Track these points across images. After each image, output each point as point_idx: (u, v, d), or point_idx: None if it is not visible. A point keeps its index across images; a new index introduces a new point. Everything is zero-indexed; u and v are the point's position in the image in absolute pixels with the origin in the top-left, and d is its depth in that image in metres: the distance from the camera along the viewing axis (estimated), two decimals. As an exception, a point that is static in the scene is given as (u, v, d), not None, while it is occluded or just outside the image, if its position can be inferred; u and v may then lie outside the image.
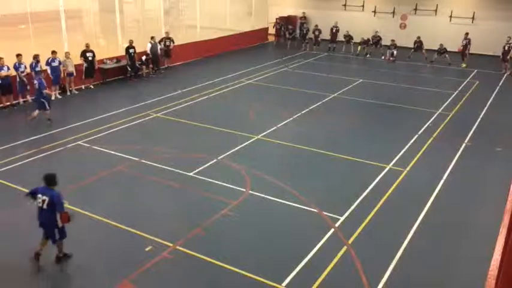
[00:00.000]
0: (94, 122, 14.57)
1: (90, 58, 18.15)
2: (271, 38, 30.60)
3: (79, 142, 12.94)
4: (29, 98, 16.42)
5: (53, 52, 16.65)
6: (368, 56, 26.50)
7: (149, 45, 20.61)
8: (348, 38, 27.06)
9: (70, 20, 19.25)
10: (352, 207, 9.83)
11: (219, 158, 12.11)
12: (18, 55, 15.73)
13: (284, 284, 7.43)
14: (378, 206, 9.96)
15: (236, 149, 12.79)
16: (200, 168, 11.43)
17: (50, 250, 8.01)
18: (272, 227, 9.17)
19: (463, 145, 13.54)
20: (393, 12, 29.38)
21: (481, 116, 16.31)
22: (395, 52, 24.97)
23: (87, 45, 18.18)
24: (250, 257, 8.17)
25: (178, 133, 14.16)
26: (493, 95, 19.19)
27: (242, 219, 9.34)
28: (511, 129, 15.27)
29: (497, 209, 8.80)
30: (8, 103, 15.84)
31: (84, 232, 8.63)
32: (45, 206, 7.51)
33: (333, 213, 9.53)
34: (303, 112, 16.18)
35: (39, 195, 7.55)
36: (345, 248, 8.40)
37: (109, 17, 22.09)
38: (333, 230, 8.98)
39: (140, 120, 14.94)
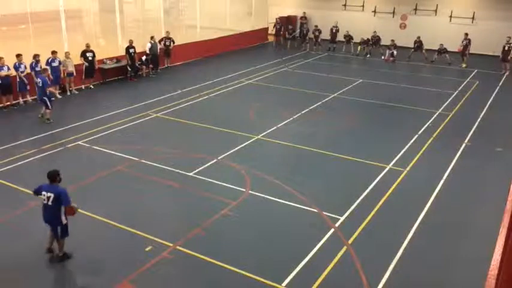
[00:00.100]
0: (94, 122, 14.57)
1: (90, 58, 18.16)
2: (271, 38, 30.59)
3: (79, 142, 12.94)
4: (29, 97, 16.44)
5: (53, 52, 16.65)
6: (368, 56, 26.50)
7: (149, 45, 20.61)
8: (348, 38, 27.05)
9: (70, 20, 19.25)
10: (352, 207, 9.83)
11: (219, 158, 12.11)
12: (18, 55, 15.73)
13: (284, 284, 7.43)
14: (378, 206, 9.96)
15: (236, 149, 12.79)
16: (200, 168, 11.43)
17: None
18: (272, 227, 9.17)
19: (463, 145, 13.54)
20: (393, 12, 29.38)
21: (481, 116, 16.32)
22: (395, 52, 24.97)
23: (87, 45, 18.19)
24: (250, 257, 8.17)
25: (178, 133, 14.16)
26: (493, 95, 19.19)
27: (242, 219, 9.34)
28: (511, 129, 15.27)
29: (497, 209, 8.81)
30: (8, 103, 15.84)
31: (84, 232, 8.63)
32: (50, 203, 7.58)
33: (333, 213, 9.53)
34: (303, 112, 16.18)
35: (44, 192, 7.61)
36: (345, 248, 8.40)
37: (109, 17, 22.09)
38: (333, 230, 8.98)
39: (140, 120, 14.94)
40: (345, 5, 30.79)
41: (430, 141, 13.80)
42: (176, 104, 16.67)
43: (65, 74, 17.40)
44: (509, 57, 22.97)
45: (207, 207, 9.74)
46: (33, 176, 10.68)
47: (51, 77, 16.30)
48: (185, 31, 26.16)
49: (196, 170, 11.32)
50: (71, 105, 16.56)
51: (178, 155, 12.31)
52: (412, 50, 25.54)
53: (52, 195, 7.54)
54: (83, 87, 18.47)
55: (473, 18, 27.24)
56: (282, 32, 29.08)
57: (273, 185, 10.70)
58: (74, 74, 17.65)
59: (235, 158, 12.19)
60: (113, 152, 12.33)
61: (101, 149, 12.55)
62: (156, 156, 12.08)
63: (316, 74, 22.38)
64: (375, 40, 26.61)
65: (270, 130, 14.27)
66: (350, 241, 8.62)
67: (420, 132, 14.49)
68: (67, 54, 17.31)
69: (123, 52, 19.97)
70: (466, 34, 24.55)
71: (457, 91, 19.63)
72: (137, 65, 20.23)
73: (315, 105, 17.05)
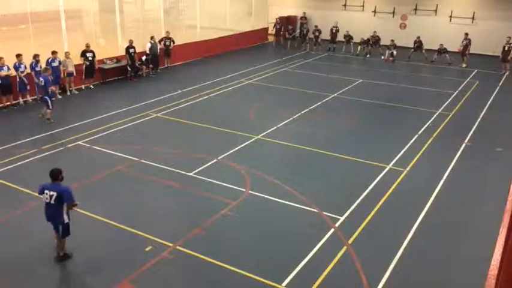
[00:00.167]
0: (94, 122, 14.57)
1: (90, 58, 18.16)
2: (271, 38, 30.60)
3: (79, 142, 12.94)
4: (29, 97, 16.44)
5: (53, 52, 16.65)
6: (368, 56, 26.50)
7: (149, 45, 20.61)
8: (348, 38, 27.05)
9: (70, 20, 19.25)
10: (352, 207, 9.83)
11: (219, 158, 12.11)
12: (18, 55, 15.74)
13: (284, 284, 7.43)
14: (378, 206, 9.96)
15: (236, 149, 12.79)
16: (200, 168, 11.44)
17: (50, 250, 8.03)
18: (272, 227, 9.17)
19: (463, 145, 13.54)
20: (393, 12, 29.38)
21: (481, 116, 16.32)
22: (395, 52, 24.97)
23: (87, 45, 18.19)
24: (250, 257, 8.17)
25: (178, 133, 14.16)
26: (493, 95, 19.19)
27: (242, 219, 9.34)
28: (511, 129, 15.27)
29: (497, 209, 8.81)
30: (8, 103, 15.84)
31: (84, 232, 8.62)
32: (52, 201, 7.61)
33: (333, 213, 9.53)
34: (303, 112, 16.18)
35: (46, 191, 7.64)
36: (345, 248, 8.41)
37: (109, 17, 22.09)
38: (333, 230, 8.98)
39: (140, 120, 14.94)
40: (345, 5, 30.79)
41: (430, 141, 13.80)
42: (176, 104, 16.67)
43: (65, 74, 17.40)
44: (509, 57, 22.97)
45: (207, 207, 9.74)
46: (33, 176, 10.69)
47: (51, 77, 16.31)
48: (185, 31, 26.16)
49: (196, 170, 11.32)
50: (71, 105, 16.56)
51: (178, 155, 12.31)
52: (412, 50, 25.54)
53: (55, 193, 7.58)
54: (83, 87, 18.47)
55: (473, 18, 27.24)
56: (282, 32, 29.09)
57: (273, 185, 10.70)
58: (74, 74, 17.65)
59: (235, 158, 12.19)
60: (113, 152, 12.33)
61: (101, 149, 12.56)
62: (156, 156, 12.08)
63: (316, 74, 22.38)
64: (375, 40, 26.61)
65: (270, 130, 14.27)
66: (350, 241, 8.62)
67: (420, 132, 14.49)
68: (67, 54, 17.31)
69: (123, 52, 19.98)
70: (466, 34, 24.54)
71: (457, 91, 19.63)
72: (137, 65, 20.23)
73: (315, 105, 17.05)
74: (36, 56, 15.92)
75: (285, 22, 30.11)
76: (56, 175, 7.66)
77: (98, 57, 18.58)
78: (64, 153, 12.24)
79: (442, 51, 24.67)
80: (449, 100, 18.24)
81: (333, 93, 18.70)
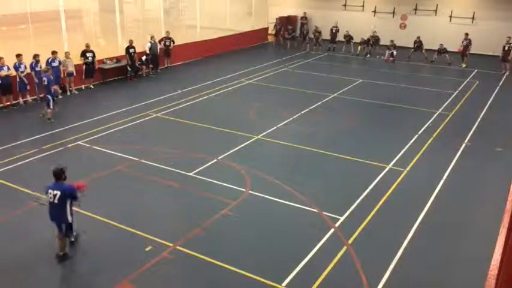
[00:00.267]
0: (94, 122, 14.57)
1: (90, 58, 18.16)
2: (271, 38, 30.60)
3: (79, 142, 12.94)
4: (29, 97, 16.44)
5: (53, 52, 16.65)
6: (368, 56, 26.50)
7: (149, 45, 20.61)
8: (348, 38, 27.05)
9: (70, 20, 19.25)
10: (352, 207, 9.83)
11: (219, 158, 12.11)
12: (18, 55, 15.74)
13: (284, 284, 7.43)
14: (378, 206, 9.96)
15: (236, 149, 12.79)
16: (200, 168, 11.43)
17: (50, 250, 8.02)
18: (272, 227, 9.17)
19: (463, 145, 13.54)
20: (393, 12, 29.38)
21: (481, 116, 16.32)
22: (394, 52, 24.97)
23: (87, 45, 18.19)
24: (250, 257, 8.17)
25: (178, 133, 14.16)
26: (493, 95, 19.19)
27: (242, 219, 9.34)
28: (511, 129, 15.26)
29: (497, 209, 8.80)
30: (8, 103, 15.84)
31: (84, 232, 8.62)
32: (56, 201, 7.64)
33: (333, 213, 9.53)
34: (303, 112, 16.18)
35: (50, 191, 7.67)
36: (345, 248, 8.40)
37: (109, 17, 22.09)
38: (333, 230, 8.98)
39: (140, 120, 14.94)
40: (345, 5, 30.79)
41: (430, 141, 13.80)
42: (176, 104, 16.67)
43: (65, 74, 17.41)
44: (509, 57, 22.97)
45: (207, 207, 9.74)
46: (33, 176, 10.71)
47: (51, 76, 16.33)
48: (185, 31, 26.17)
49: (196, 170, 11.32)
50: (71, 105, 16.55)
51: (178, 155, 12.31)
52: (412, 50, 25.54)
53: (58, 193, 7.61)
54: (83, 87, 18.47)
55: (473, 18, 27.24)
56: (282, 32, 29.09)
57: (273, 185, 10.70)
58: (74, 74, 17.65)
59: (235, 158, 12.19)
60: (113, 152, 12.33)
61: (101, 149, 12.56)
62: (156, 156, 12.08)
63: (316, 74, 22.38)
64: (374, 40, 26.61)
65: (270, 130, 14.27)
66: (350, 241, 8.62)
67: (420, 132, 14.49)
68: (67, 54, 17.31)
69: (123, 52, 19.97)
70: (467, 34, 24.54)
71: (457, 91, 19.63)
72: (137, 65, 20.23)
73: (315, 105, 17.05)
74: (36, 56, 15.93)
75: (285, 22, 30.13)
76: (59, 174, 7.70)
77: (98, 57, 18.58)
78: (64, 153, 12.23)
79: (442, 51, 24.67)
80: (449, 100, 18.24)
81: (333, 93, 18.70)
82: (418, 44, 25.41)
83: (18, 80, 15.77)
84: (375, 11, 29.85)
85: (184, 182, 10.79)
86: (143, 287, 7.34)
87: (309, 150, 12.86)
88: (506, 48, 23.13)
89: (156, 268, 7.74)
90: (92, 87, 18.66)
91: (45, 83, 14.26)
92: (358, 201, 10.11)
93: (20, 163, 11.52)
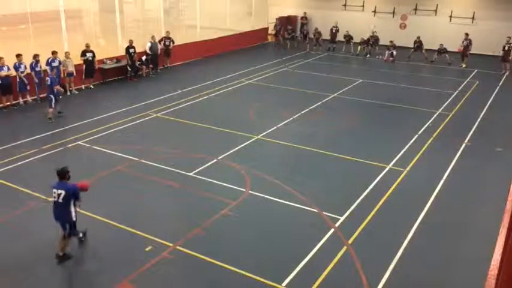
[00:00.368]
0: (94, 122, 14.57)
1: (90, 58, 18.16)
2: (271, 38, 30.60)
3: (79, 142, 12.94)
4: (29, 98, 16.44)
5: (53, 52, 16.65)
6: (368, 56, 26.50)
7: (149, 45, 20.62)
8: (348, 38, 27.05)
9: (70, 20, 19.25)
10: (352, 207, 9.83)
11: (219, 158, 12.11)
12: (18, 55, 15.74)
13: (284, 284, 7.43)
14: (378, 206, 9.96)
15: (236, 149, 12.79)
16: (200, 168, 11.43)
17: (50, 250, 8.02)
18: (272, 227, 9.17)
19: (463, 145, 13.54)
20: (393, 12, 29.37)
21: (481, 116, 16.31)
22: (394, 52, 24.96)
23: (87, 45, 18.19)
24: (250, 257, 8.17)
25: (178, 133, 14.16)
26: (493, 95, 19.19)
27: (242, 219, 9.34)
28: (511, 129, 15.26)
29: (497, 209, 8.80)
30: (8, 103, 15.84)
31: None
32: (60, 200, 7.68)
33: (333, 213, 9.53)
34: (303, 112, 16.18)
35: (54, 190, 7.71)
36: (345, 248, 8.40)
37: (109, 17, 22.10)
38: (333, 230, 8.98)
39: (140, 120, 14.94)
40: (345, 5, 30.79)
41: (430, 141, 13.80)
42: (176, 104, 16.67)
43: (65, 74, 17.41)
44: (509, 57, 22.97)
45: (207, 207, 9.74)
46: (33, 176, 10.72)
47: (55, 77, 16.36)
48: (185, 31, 26.17)
49: (196, 170, 11.32)
50: (71, 105, 16.54)
51: (178, 155, 12.31)
52: (412, 50, 25.53)
53: (63, 192, 7.65)
54: (83, 87, 18.47)
55: (473, 18, 27.24)
56: (282, 32, 29.09)
57: (273, 185, 10.70)
58: (74, 74, 17.66)
59: (235, 158, 12.19)
60: (113, 152, 12.33)
61: (101, 149, 12.56)
62: (156, 156, 12.08)
63: (316, 74, 22.38)
64: (374, 40, 26.61)
65: (270, 130, 14.27)
66: (350, 241, 8.62)
67: (420, 132, 14.49)
68: (67, 54, 17.31)
69: (123, 52, 19.97)
70: (467, 34, 24.54)
71: (457, 91, 19.63)
72: (137, 65, 20.23)
73: (315, 105, 17.05)
74: (36, 56, 15.93)
75: (285, 22, 30.12)
76: (63, 174, 7.75)
77: (98, 57, 18.57)
78: (64, 153, 12.23)
79: (442, 51, 24.67)
80: (449, 100, 18.24)
81: (333, 93, 18.70)
82: (418, 44, 25.41)
83: (18, 80, 15.77)
84: (374, 11, 29.85)
85: (184, 182, 10.79)
86: (143, 287, 7.34)
87: (309, 150, 12.86)
88: (506, 48, 23.12)
89: (156, 268, 7.74)
90: (92, 87, 18.65)
91: (48, 83, 14.28)
92: (358, 201, 10.11)
93: (20, 163, 11.52)
